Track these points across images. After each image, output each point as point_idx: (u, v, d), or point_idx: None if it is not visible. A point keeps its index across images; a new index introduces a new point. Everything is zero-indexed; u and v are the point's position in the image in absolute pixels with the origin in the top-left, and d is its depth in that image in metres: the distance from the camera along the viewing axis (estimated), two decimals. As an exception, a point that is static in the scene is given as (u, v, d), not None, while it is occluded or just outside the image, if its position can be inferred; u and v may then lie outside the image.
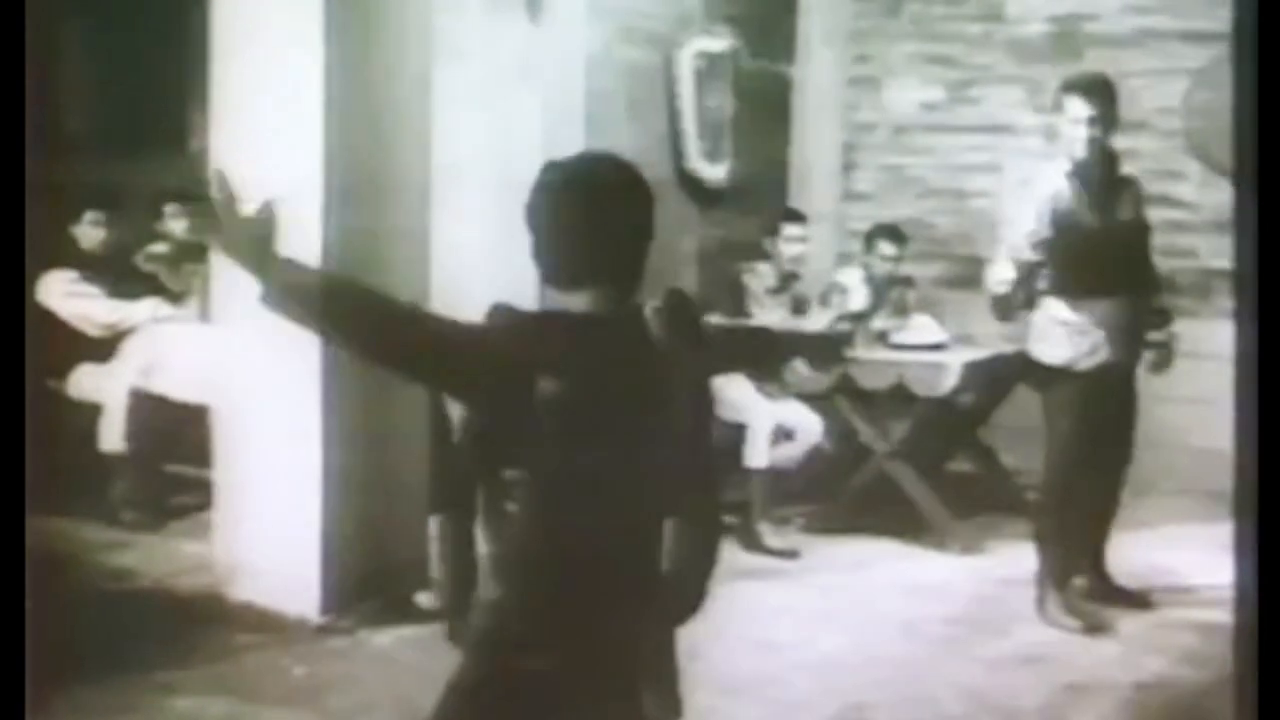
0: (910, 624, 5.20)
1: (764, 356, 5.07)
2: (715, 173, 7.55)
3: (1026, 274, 5.24)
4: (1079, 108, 5.25)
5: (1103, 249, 5.25)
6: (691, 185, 7.46)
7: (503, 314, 2.55)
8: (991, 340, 6.90)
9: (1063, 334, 5.23)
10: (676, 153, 7.40)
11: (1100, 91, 5.31)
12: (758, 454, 6.32)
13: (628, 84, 7.10)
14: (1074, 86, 5.36)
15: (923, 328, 6.77)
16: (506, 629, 2.47)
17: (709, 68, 7.49)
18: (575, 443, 2.41)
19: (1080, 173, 5.26)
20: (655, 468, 2.52)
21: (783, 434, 6.44)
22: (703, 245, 7.14)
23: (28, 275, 3.30)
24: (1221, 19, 7.39)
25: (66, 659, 3.68)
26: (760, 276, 6.63)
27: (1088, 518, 5.42)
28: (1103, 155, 5.30)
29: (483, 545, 2.56)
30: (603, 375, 2.46)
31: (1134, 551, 5.71)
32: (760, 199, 7.39)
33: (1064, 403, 5.23)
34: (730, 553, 6.21)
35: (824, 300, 6.83)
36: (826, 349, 5.38)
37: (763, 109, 7.89)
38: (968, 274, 7.89)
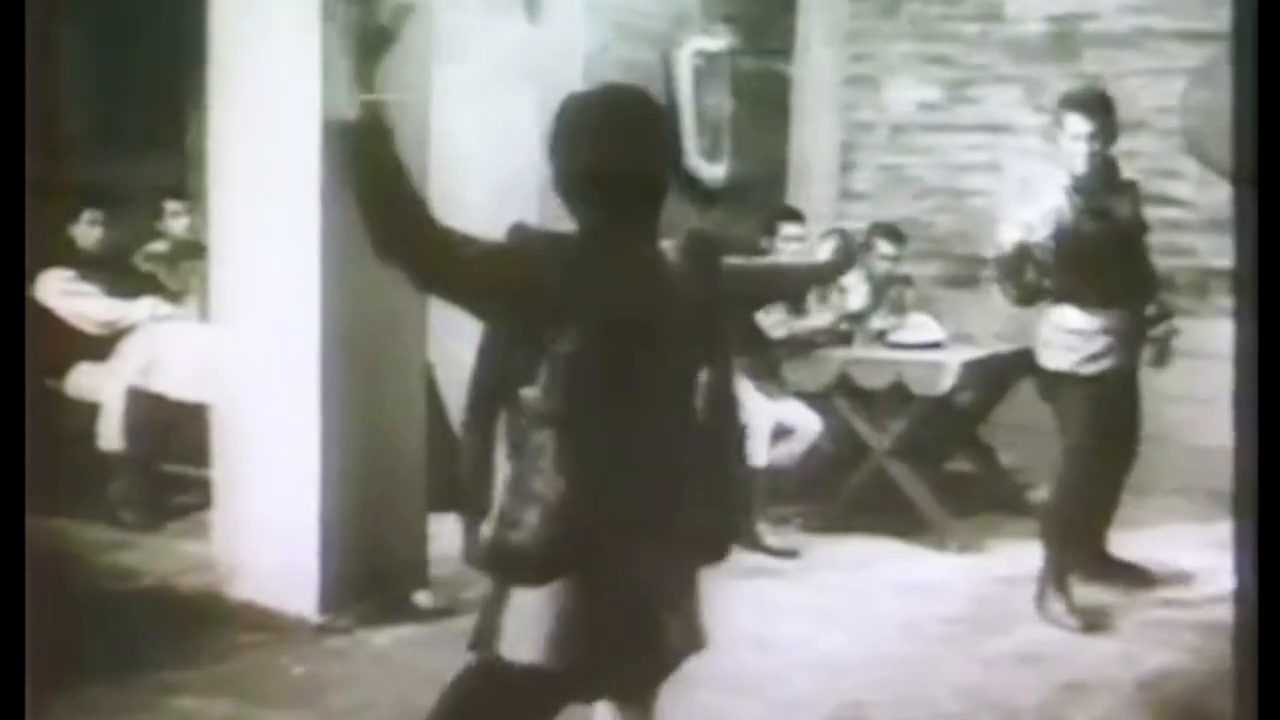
0: (909, 623, 5.20)
1: (779, 292, 5.12)
2: (713, 171, 7.56)
3: (1031, 264, 5.30)
4: (1078, 124, 5.32)
5: (1104, 256, 5.30)
6: (689, 184, 7.46)
7: (522, 232, 2.63)
8: (989, 339, 6.92)
9: (1069, 341, 5.30)
10: (674, 151, 7.40)
11: (1098, 106, 5.39)
12: (756, 453, 6.32)
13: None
14: (1072, 103, 5.43)
15: (921, 327, 6.77)
16: (530, 555, 2.54)
17: (707, 67, 7.49)
18: (592, 366, 2.49)
19: (1081, 185, 5.32)
20: (673, 400, 2.59)
21: (782, 433, 6.44)
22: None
23: (27, 274, 3.31)
24: (1219, 19, 7.40)
25: (67, 659, 3.68)
26: None
27: (1093, 515, 5.53)
28: (1103, 165, 5.38)
29: (503, 465, 2.62)
30: (621, 300, 2.52)
31: (1135, 549, 5.73)
32: (758, 198, 7.39)
33: (1073, 409, 5.30)
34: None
35: (823, 299, 6.83)
36: (830, 275, 5.41)
37: (761, 108, 7.89)
38: (966, 273, 7.92)
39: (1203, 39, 7.50)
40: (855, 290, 6.90)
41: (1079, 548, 5.45)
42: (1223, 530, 2.70)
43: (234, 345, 5.28)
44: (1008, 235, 5.34)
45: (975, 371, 6.45)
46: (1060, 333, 5.32)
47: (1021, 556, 5.62)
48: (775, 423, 6.39)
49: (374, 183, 2.67)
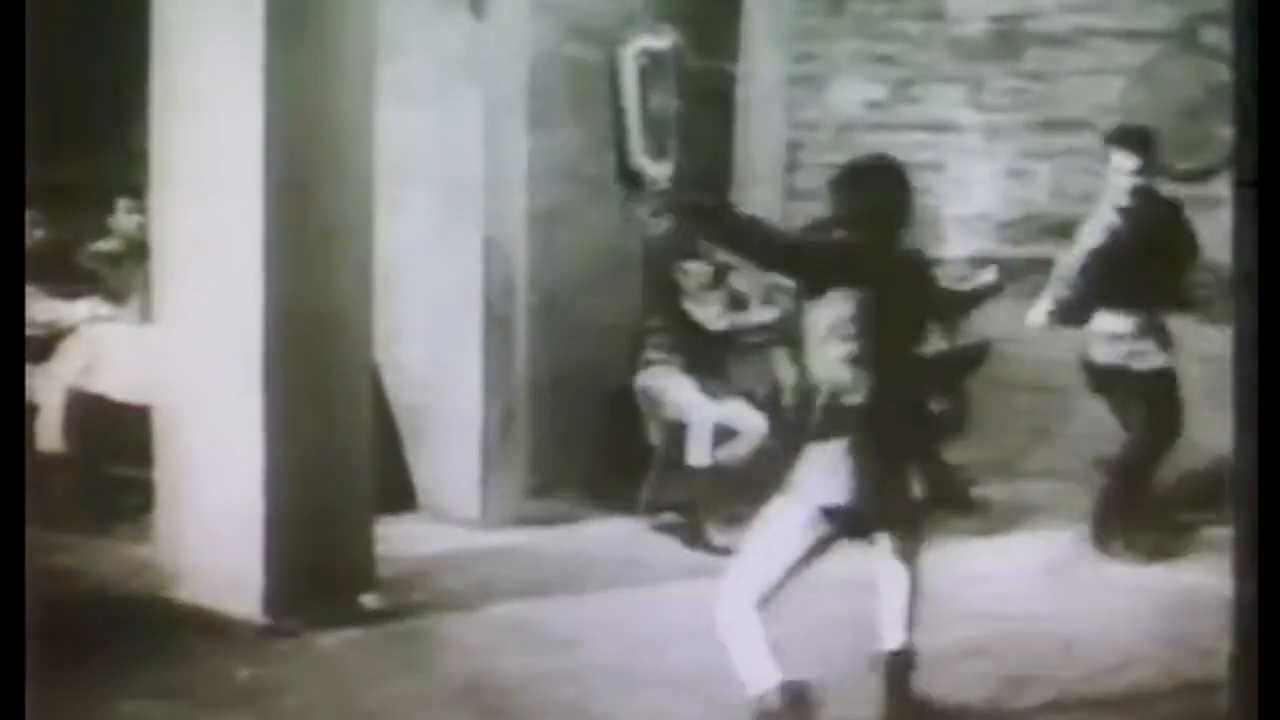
0: (853, 620, 5.20)
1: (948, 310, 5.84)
2: (659, 170, 7.56)
3: (1077, 291, 6.08)
4: (1122, 160, 6.00)
5: (1142, 270, 5.97)
6: (635, 182, 7.46)
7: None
8: (937, 336, 6.95)
9: (1113, 341, 6.03)
10: (620, 150, 7.40)
11: (1143, 144, 6.07)
12: (700, 453, 6.34)
13: (571, 82, 7.10)
14: (1117, 140, 6.11)
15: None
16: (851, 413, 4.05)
17: (653, 66, 7.49)
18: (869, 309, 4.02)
19: (1126, 213, 6.02)
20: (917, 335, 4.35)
21: (728, 433, 6.46)
22: (647, 243, 7.14)
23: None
24: (1158, 18, 7.53)
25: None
26: (692, 275, 6.65)
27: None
28: (1148, 193, 6.03)
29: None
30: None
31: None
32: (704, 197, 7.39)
33: (1128, 399, 6.06)
34: (675, 551, 6.24)
35: (768, 299, 6.86)
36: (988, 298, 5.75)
37: (707, 107, 7.90)
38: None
39: (1142, 38, 7.59)
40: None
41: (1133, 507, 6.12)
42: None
43: (176, 346, 5.24)
44: (1038, 312, 6.14)
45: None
46: (1104, 336, 6.04)
47: (968, 553, 5.66)
48: (719, 423, 6.40)
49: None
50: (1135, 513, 6.14)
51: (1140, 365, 6.03)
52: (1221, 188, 7.30)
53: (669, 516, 6.48)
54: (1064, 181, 7.72)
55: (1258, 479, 2.53)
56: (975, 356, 6.93)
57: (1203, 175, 7.38)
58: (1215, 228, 6.69)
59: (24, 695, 2.75)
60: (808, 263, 4.13)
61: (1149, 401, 6.06)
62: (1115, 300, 6.03)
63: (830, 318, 4.03)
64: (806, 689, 4.05)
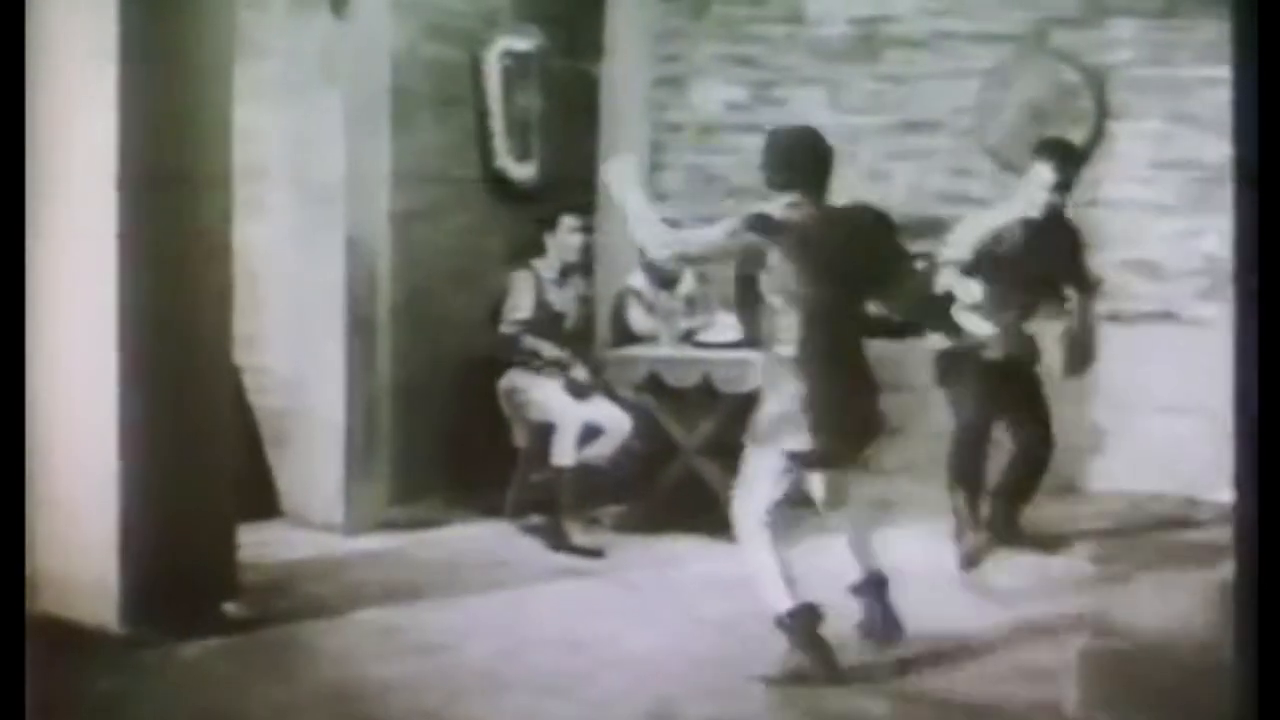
0: (719, 621, 5.26)
1: None
2: (524, 171, 7.56)
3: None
4: (1046, 173, 5.92)
5: (1023, 272, 5.94)
6: (500, 184, 7.46)
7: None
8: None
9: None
10: (484, 151, 7.39)
11: (1070, 160, 6.06)
12: (564, 452, 6.35)
13: (434, 82, 7.07)
14: (1045, 152, 6.01)
15: (725, 326, 6.85)
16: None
17: (516, 66, 7.49)
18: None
19: (1027, 224, 5.97)
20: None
21: (592, 433, 6.48)
22: (511, 244, 7.13)
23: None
24: (1011, 21, 7.71)
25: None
26: (537, 273, 6.66)
27: (1006, 490, 6.21)
28: (1052, 211, 5.98)
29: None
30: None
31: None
32: (569, 198, 7.41)
33: (959, 384, 6.04)
34: (538, 553, 6.24)
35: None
36: None
37: (571, 108, 7.91)
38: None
39: (996, 41, 7.78)
40: (645, 291, 7.02)
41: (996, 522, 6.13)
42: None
43: (32, 352, 5.11)
44: (969, 238, 6.01)
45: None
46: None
47: (830, 549, 5.71)
48: (584, 423, 6.42)
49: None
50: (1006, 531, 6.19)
51: (991, 355, 5.98)
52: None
53: (535, 518, 6.48)
54: (920, 182, 7.87)
55: (1258, 478, 2.56)
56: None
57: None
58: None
59: (24, 695, 2.67)
60: (746, 243, 4.64)
61: (1014, 399, 6.07)
62: (988, 302, 5.98)
63: (772, 282, 4.58)
64: (814, 609, 4.63)
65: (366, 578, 5.77)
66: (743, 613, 5.03)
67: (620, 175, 4.87)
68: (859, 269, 4.68)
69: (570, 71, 7.95)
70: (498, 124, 7.38)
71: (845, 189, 7.82)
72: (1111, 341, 6.82)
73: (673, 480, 6.62)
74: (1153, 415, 7.32)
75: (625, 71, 8.35)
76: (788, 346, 4.59)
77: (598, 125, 8.22)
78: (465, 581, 5.77)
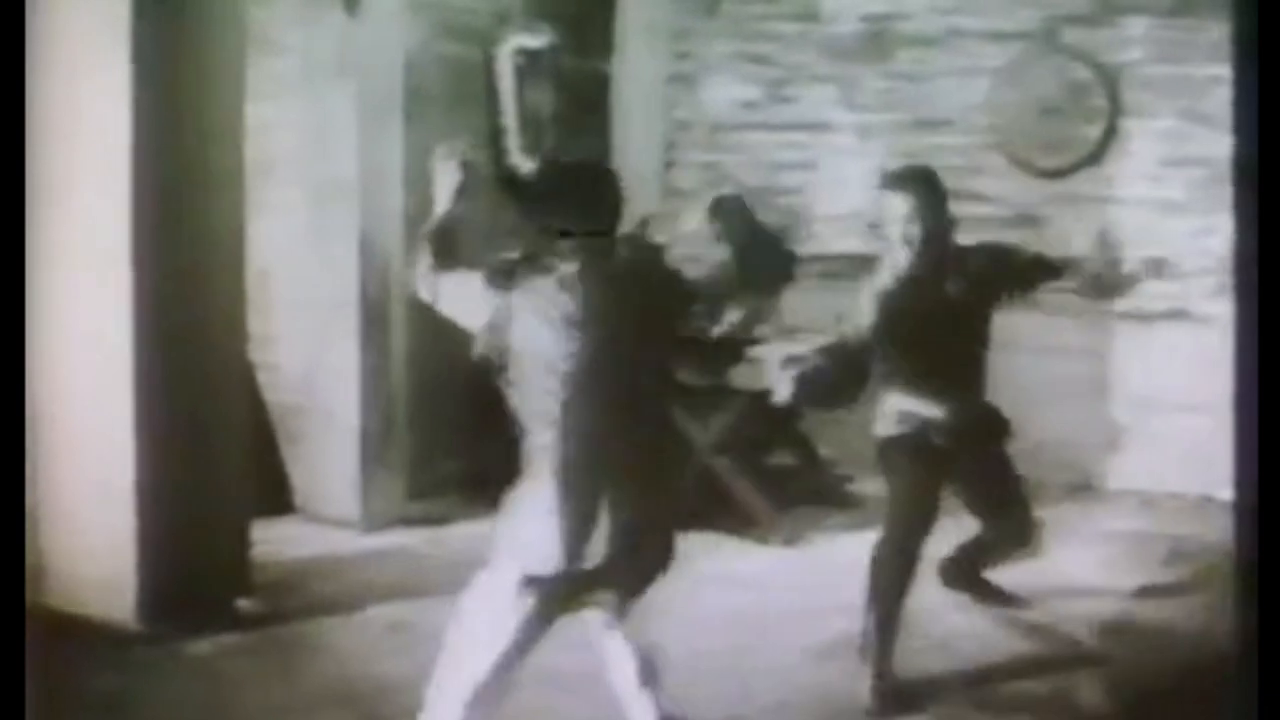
0: (732, 616, 5.27)
1: None
2: (535, 169, 7.55)
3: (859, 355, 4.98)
4: (898, 204, 4.90)
5: (932, 333, 4.89)
6: (511, 182, 7.45)
7: None
8: (809, 333, 7.04)
9: (899, 419, 4.96)
10: (496, 149, 7.38)
11: (918, 185, 4.93)
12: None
13: (447, 80, 7.07)
14: (891, 183, 5.01)
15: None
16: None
17: (529, 64, 7.48)
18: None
19: (906, 268, 4.89)
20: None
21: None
22: (524, 241, 7.11)
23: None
24: (1023, 19, 7.69)
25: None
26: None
27: (964, 552, 5.39)
28: (929, 242, 4.88)
29: None
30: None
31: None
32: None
33: (894, 464, 5.01)
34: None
35: None
36: None
37: (583, 106, 7.91)
38: (785, 269, 8.04)
39: (1008, 39, 7.76)
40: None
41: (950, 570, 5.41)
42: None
43: (46, 349, 5.13)
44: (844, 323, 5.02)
45: (795, 366, 6.54)
46: (893, 415, 4.97)
47: (844, 548, 5.72)
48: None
49: None
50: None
51: (938, 441, 4.92)
52: (1084, 184, 7.56)
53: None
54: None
55: (1259, 481, 2.56)
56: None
57: (1064, 172, 7.60)
58: (1078, 225, 6.95)
59: (24, 696, 2.68)
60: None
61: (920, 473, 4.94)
62: (903, 373, 4.94)
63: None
64: None
65: (380, 574, 5.78)
66: (755, 608, 5.04)
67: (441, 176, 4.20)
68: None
69: (582, 69, 7.94)
70: (510, 121, 7.38)
71: (857, 186, 7.91)
72: (1125, 339, 6.82)
73: (687, 477, 6.61)
74: (1168, 414, 7.30)
75: (637, 69, 8.34)
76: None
77: (609, 123, 8.22)
78: (479, 578, 5.77)
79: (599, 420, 3.49)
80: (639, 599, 3.67)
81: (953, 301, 4.90)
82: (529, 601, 3.43)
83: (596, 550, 3.43)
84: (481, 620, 3.50)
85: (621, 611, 3.71)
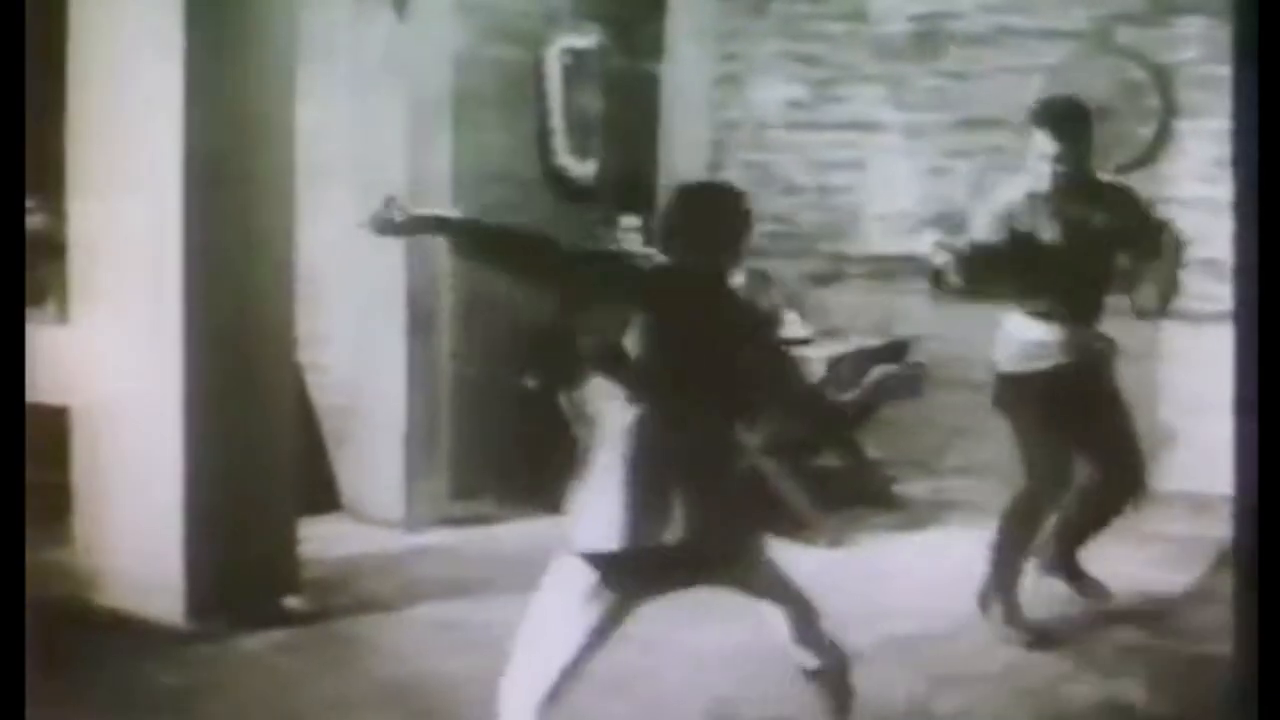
0: (779, 619, 5.23)
1: None
2: (583, 169, 7.57)
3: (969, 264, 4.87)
4: (1045, 144, 4.93)
5: (1063, 263, 4.95)
6: (560, 182, 7.47)
7: None
8: (855, 334, 7.03)
9: (1019, 347, 5.03)
10: (545, 150, 7.40)
11: (1070, 125, 4.97)
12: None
13: (496, 82, 7.09)
14: (1041, 119, 5.00)
15: (788, 324, 6.84)
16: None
17: (577, 65, 7.50)
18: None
19: (1042, 197, 4.96)
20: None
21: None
22: (570, 242, 7.12)
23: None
24: (1075, 18, 7.63)
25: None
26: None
27: (1065, 525, 5.36)
28: (1072, 179, 4.96)
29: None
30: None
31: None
32: (629, 197, 7.42)
33: (1021, 407, 5.04)
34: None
35: None
36: None
37: (631, 107, 7.92)
38: (831, 270, 8.04)
39: (1060, 37, 7.70)
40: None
41: (1048, 550, 5.38)
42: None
43: (95, 347, 5.18)
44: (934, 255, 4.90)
45: (841, 366, 6.54)
46: (1014, 341, 5.04)
47: (891, 550, 5.70)
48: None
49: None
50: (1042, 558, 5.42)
51: (1035, 366, 5.01)
52: (1136, 185, 7.46)
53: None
54: (982, 180, 7.80)
55: (1258, 482, 2.55)
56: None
57: (1117, 174, 7.52)
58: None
59: (24, 696, 2.71)
60: (588, 277, 3.88)
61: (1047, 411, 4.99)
62: (1030, 304, 5.02)
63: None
64: None
65: (426, 573, 5.80)
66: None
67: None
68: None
69: (631, 70, 7.95)
70: (558, 123, 7.40)
71: (907, 185, 7.88)
72: (1179, 341, 6.74)
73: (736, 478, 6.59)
74: (1222, 416, 7.20)
75: (685, 70, 8.34)
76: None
77: (658, 124, 8.23)
78: (524, 578, 5.75)
79: (671, 415, 3.50)
80: (722, 581, 3.72)
81: (1085, 228, 4.96)
82: (605, 593, 3.43)
83: (670, 537, 3.41)
84: (557, 613, 3.53)
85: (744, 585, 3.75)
